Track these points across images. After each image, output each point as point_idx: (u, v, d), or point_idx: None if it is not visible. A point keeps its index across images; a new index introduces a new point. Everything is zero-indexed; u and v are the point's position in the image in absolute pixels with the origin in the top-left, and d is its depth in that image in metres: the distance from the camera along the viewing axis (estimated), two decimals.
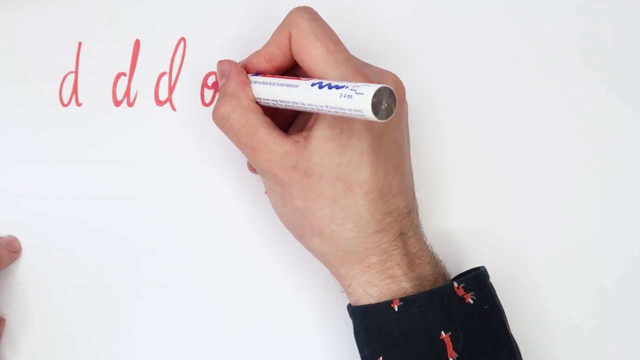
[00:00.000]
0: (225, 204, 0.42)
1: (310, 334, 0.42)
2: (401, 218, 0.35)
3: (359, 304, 0.35)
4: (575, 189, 0.43)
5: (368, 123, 0.33)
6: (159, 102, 0.43)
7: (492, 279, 0.37)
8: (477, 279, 0.35)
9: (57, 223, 0.42)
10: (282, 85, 0.34)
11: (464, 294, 0.34)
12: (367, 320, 0.35)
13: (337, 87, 0.30)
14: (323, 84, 0.31)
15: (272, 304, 0.42)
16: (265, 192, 0.38)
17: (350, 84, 0.30)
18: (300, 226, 0.36)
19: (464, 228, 0.42)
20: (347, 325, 0.42)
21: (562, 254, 0.42)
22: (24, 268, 0.42)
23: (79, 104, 0.43)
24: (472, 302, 0.34)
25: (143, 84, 0.43)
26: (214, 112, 0.36)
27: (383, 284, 0.34)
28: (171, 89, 0.43)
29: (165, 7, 0.43)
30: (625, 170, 0.43)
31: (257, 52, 0.37)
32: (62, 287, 0.42)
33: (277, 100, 0.35)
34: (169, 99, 0.43)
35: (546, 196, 0.43)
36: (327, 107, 0.31)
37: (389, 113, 0.29)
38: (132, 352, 0.42)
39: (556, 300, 0.42)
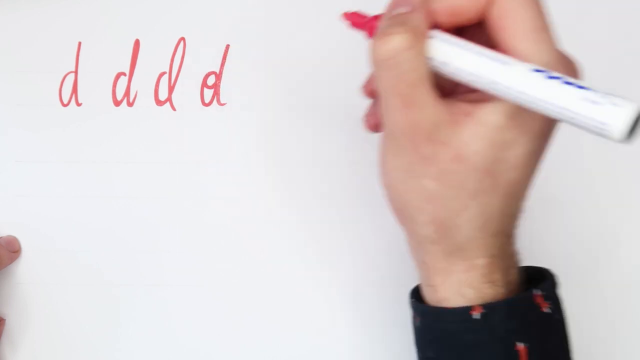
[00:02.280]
0: (225, 204, 0.42)
1: (310, 333, 0.42)
2: (516, 221, 0.32)
3: (441, 304, 0.32)
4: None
5: (547, 124, 0.29)
6: (159, 102, 0.43)
7: None
8: (553, 287, 0.33)
9: (57, 223, 0.42)
10: (480, 55, 0.27)
11: (542, 303, 0.31)
12: (441, 324, 0.32)
13: (576, 86, 0.25)
14: (553, 75, 0.26)
15: (272, 303, 0.42)
16: (380, 152, 0.31)
17: (594, 88, 0.25)
18: (416, 207, 0.30)
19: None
20: (347, 325, 0.42)
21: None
22: (24, 268, 0.42)
23: (79, 104, 0.43)
24: (549, 311, 0.31)
25: (143, 84, 0.43)
26: (380, 38, 0.28)
27: (481, 288, 0.31)
28: (171, 89, 0.43)
29: (165, 7, 0.43)
30: None
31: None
32: (62, 287, 0.42)
33: (463, 71, 0.28)
34: (169, 99, 0.43)
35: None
36: (548, 104, 0.26)
37: (634, 136, 0.24)
38: (132, 352, 0.42)
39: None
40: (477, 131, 0.28)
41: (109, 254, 0.42)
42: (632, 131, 0.24)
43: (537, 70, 0.26)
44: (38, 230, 0.42)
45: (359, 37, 0.42)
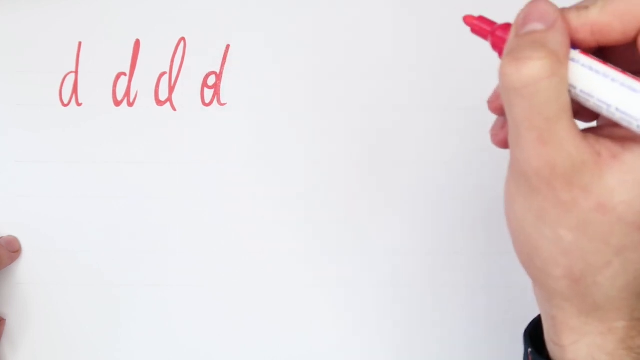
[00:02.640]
0: (225, 203, 0.42)
1: (310, 333, 0.42)
2: None
3: None
4: None
5: None
6: (159, 102, 0.43)
7: None
8: None
9: (57, 223, 0.42)
10: (634, 91, 0.23)
11: None
12: None
13: None
14: None
15: (272, 303, 0.42)
16: (509, 193, 0.27)
17: None
18: (550, 259, 0.27)
19: None
20: (347, 325, 0.42)
21: None
22: (24, 268, 0.42)
23: (79, 104, 0.43)
24: None
25: (143, 84, 0.43)
26: (515, 62, 0.24)
27: (618, 354, 0.27)
28: (171, 89, 0.43)
29: (165, 7, 0.43)
30: None
31: (580, 10, 0.25)
32: (62, 287, 0.42)
33: (609, 107, 0.24)
34: (169, 99, 0.43)
35: None
36: None
37: None
38: (132, 352, 0.42)
39: None
40: (626, 178, 0.24)
41: (109, 254, 0.42)
42: None
43: None
44: (38, 230, 0.42)
45: (358, 36, 0.43)
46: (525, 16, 0.25)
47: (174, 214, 0.42)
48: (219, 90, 0.43)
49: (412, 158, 0.42)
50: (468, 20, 0.27)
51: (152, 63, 0.43)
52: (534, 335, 0.30)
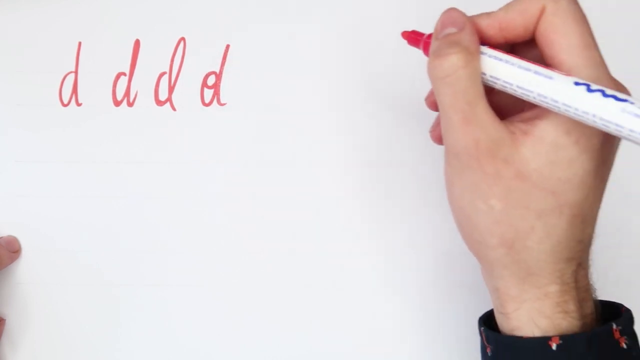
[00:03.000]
0: (225, 203, 0.42)
1: (310, 333, 0.42)
2: (587, 248, 0.32)
3: (515, 333, 0.31)
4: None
5: (606, 140, 0.29)
6: (159, 102, 0.43)
7: None
8: (631, 322, 0.32)
9: (57, 223, 0.42)
10: (528, 70, 0.29)
11: (619, 337, 0.31)
12: (515, 354, 0.31)
13: (617, 99, 0.26)
14: (592, 88, 0.27)
15: (272, 303, 0.42)
16: (446, 176, 0.32)
17: (633, 99, 0.26)
18: (486, 230, 0.30)
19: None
20: (347, 325, 0.42)
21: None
22: (24, 268, 0.42)
23: (79, 104, 0.43)
24: (625, 347, 0.30)
25: (143, 84, 0.43)
26: (435, 58, 0.29)
27: (555, 317, 0.30)
28: (171, 89, 0.43)
29: (165, 7, 0.43)
30: None
31: (488, 14, 0.31)
32: (62, 287, 0.42)
33: (511, 85, 0.29)
34: (169, 99, 0.43)
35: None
36: (595, 116, 0.26)
37: None
38: (132, 352, 0.42)
39: None
40: (536, 148, 0.29)
41: (109, 254, 0.42)
42: None
43: (579, 84, 0.27)
44: (38, 230, 0.42)
45: (359, 36, 0.43)
46: (441, 23, 0.31)
47: (173, 214, 0.42)
48: (219, 90, 0.43)
49: (413, 158, 0.42)
50: (404, 35, 0.34)
51: (152, 63, 0.43)
52: (485, 319, 0.34)
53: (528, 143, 0.29)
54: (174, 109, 0.43)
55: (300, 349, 0.42)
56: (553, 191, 0.29)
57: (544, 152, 0.29)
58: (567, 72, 0.28)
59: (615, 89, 0.28)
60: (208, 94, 0.43)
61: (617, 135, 0.26)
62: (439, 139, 0.34)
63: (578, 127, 0.28)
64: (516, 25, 0.30)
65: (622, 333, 0.31)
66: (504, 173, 0.29)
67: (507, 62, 0.29)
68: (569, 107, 0.27)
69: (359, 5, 0.43)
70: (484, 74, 0.30)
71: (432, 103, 0.35)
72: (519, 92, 0.29)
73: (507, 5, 0.30)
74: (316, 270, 0.42)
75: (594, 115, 0.26)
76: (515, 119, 0.30)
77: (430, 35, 0.32)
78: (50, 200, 0.42)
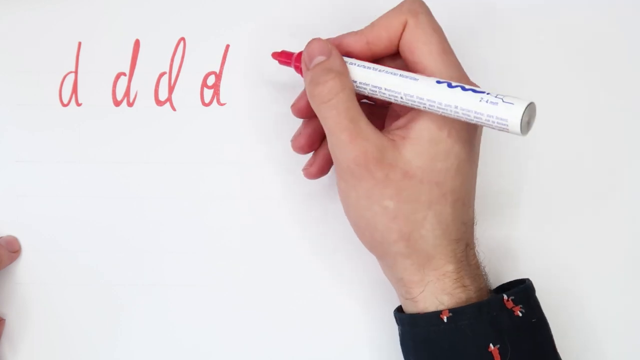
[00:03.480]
0: (225, 204, 0.42)
1: (311, 333, 0.42)
2: (470, 229, 0.36)
3: (425, 312, 0.34)
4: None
5: (471, 130, 0.34)
6: (159, 102, 0.43)
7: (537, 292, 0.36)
8: (526, 291, 0.35)
9: (57, 223, 0.42)
10: (394, 74, 0.33)
11: (513, 307, 0.34)
12: (415, 329, 0.35)
13: (475, 91, 0.30)
14: (453, 84, 0.31)
15: (273, 304, 0.42)
16: (341, 191, 0.35)
17: (492, 92, 0.30)
18: (385, 228, 0.34)
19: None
20: (348, 325, 0.42)
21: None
22: (24, 268, 0.42)
23: (78, 104, 0.43)
24: (520, 315, 0.34)
25: (143, 84, 0.43)
26: (315, 86, 0.34)
27: (456, 292, 0.34)
28: (171, 89, 0.43)
29: (165, 7, 0.43)
30: None
31: (356, 32, 0.35)
32: (62, 287, 0.42)
33: (380, 88, 0.33)
34: (169, 99, 0.43)
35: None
36: (457, 107, 0.30)
37: (529, 128, 0.29)
38: (132, 352, 0.42)
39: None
40: (416, 148, 0.33)
41: (109, 254, 0.42)
42: (527, 124, 0.29)
43: (440, 82, 0.31)
44: (38, 231, 0.42)
45: None
46: (309, 54, 0.35)
47: (173, 214, 0.42)
48: (219, 90, 0.43)
49: None
50: (274, 55, 0.38)
51: (152, 63, 0.43)
52: (401, 308, 0.37)
53: (408, 145, 0.33)
54: (174, 109, 0.43)
55: (300, 348, 0.42)
56: (437, 182, 0.33)
57: (423, 150, 0.33)
58: (430, 75, 0.32)
59: (476, 86, 0.31)
60: (208, 94, 0.43)
61: (477, 122, 0.30)
62: (300, 148, 0.38)
63: (448, 122, 0.32)
64: (382, 39, 0.34)
65: (516, 302, 0.34)
66: (392, 175, 0.33)
67: (374, 69, 0.34)
68: (434, 102, 0.31)
69: (359, 5, 0.43)
70: (355, 81, 0.34)
71: (298, 110, 0.38)
72: (387, 95, 0.33)
73: (373, 23, 0.35)
74: (317, 270, 0.42)
75: (456, 107, 0.30)
76: (392, 128, 0.34)
77: (300, 54, 0.36)
78: (50, 200, 0.42)
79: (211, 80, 0.43)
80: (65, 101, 0.43)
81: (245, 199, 0.42)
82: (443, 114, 0.31)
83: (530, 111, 0.29)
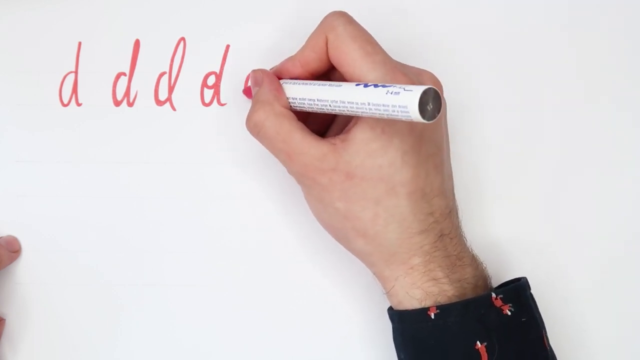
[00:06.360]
0: (225, 204, 0.42)
1: (311, 333, 0.42)
2: (442, 219, 0.35)
3: (400, 307, 0.35)
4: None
5: (409, 124, 0.34)
6: (159, 102, 0.43)
7: (532, 289, 0.37)
8: (517, 290, 0.35)
9: (57, 223, 0.42)
10: (323, 85, 0.35)
11: (502, 305, 0.34)
12: (404, 325, 0.35)
13: (384, 86, 0.31)
14: (368, 85, 0.32)
15: (274, 304, 0.42)
16: (306, 199, 0.38)
17: (397, 84, 0.30)
18: (342, 229, 0.36)
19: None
20: (349, 325, 0.42)
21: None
22: (24, 268, 0.42)
23: (79, 104, 0.43)
24: (509, 313, 0.34)
25: (143, 84, 0.43)
26: (247, 120, 0.36)
27: (425, 286, 0.34)
28: (171, 89, 0.43)
29: (165, 7, 0.43)
30: None
31: (291, 57, 0.37)
32: (62, 287, 0.42)
33: (314, 100, 0.35)
34: (169, 99, 0.43)
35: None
36: (370, 104, 0.31)
37: (434, 114, 0.29)
38: (132, 352, 0.42)
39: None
40: (354, 149, 0.34)
41: (109, 254, 0.42)
42: (429, 110, 0.29)
43: (358, 84, 0.33)
44: (38, 230, 0.42)
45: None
46: (253, 84, 0.38)
47: (173, 214, 0.42)
48: (219, 90, 0.43)
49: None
50: (244, 91, 0.42)
51: (152, 63, 0.43)
52: None
53: (346, 147, 0.34)
54: (174, 109, 0.43)
55: (300, 348, 0.42)
56: (380, 177, 0.34)
57: (359, 148, 0.34)
58: (358, 80, 0.34)
59: (406, 80, 0.34)
60: (208, 94, 0.43)
61: (388, 116, 0.30)
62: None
63: (380, 121, 0.33)
64: (313, 59, 0.36)
65: (505, 301, 0.34)
66: (336, 178, 0.34)
67: (305, 84, 0.36)
68: (352, 103, 0.32)
69: (360, 6, 0.43)
70: (294, 99, 0.36)
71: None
72: (320, 105, 0.35)
73: (303, 46, 0.37)
74: (317, 270, 0.42)
75: (368, 104, 0.31)
76: (333, 134, 0.37)
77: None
78: (50, 200, 0.42)
79: (211, 80, 0.43)
80: (65, 101, 0.43)
81: (245, 199, 0.42)
82: (364, 114, 0.32)
83: (430, 97, 0.29)
